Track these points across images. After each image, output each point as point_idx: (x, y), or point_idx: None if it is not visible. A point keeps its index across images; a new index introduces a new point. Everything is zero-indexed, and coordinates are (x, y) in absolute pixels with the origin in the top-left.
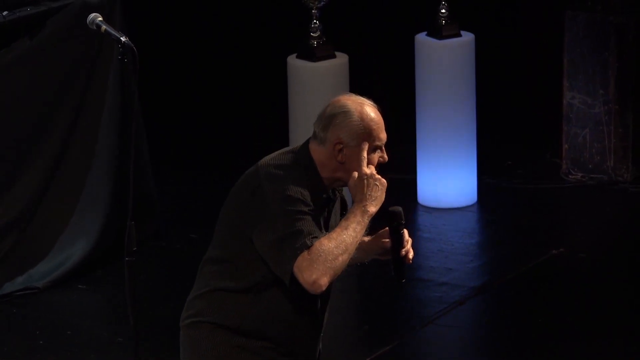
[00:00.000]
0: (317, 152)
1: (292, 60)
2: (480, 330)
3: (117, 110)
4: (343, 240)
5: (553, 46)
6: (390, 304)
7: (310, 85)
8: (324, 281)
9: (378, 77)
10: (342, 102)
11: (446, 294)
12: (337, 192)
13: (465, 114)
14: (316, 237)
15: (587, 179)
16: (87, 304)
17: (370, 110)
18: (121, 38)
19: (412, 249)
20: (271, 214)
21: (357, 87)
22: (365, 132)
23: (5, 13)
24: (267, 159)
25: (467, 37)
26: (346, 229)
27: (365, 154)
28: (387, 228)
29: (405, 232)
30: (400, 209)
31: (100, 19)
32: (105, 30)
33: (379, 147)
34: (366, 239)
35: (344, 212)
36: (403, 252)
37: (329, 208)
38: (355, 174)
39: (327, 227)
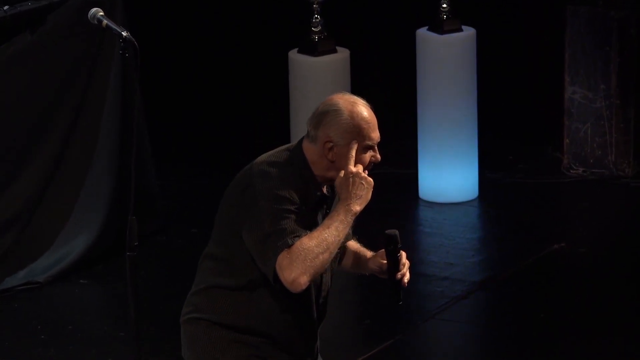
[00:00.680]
0: (310, 150)
1: (294, 55)
2: (481, 325)
3: (118, 106)
4: (324, 239)
5: (554, 41)
6: (391, 298)
7: (312, 80)
8: (304, 280)
9: (379, 72)
10: (333, 101)
11: (447, 289)
12: (335, 189)
13: (467, 109)
14: (298, 236)
15: (589, 173)
16: (89, 299)
17: (361, 109)
18: (122, 33)
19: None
20: (259, 211)
21: (359, 82)
22: (355, 131)
23: (6, 7)
24: (263, 156)
25: (469, 32)
26: (328, 227)
27: (353, 153)
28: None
29: (403, 254)
30: (396, 232)
31: (102, 13)
32: (107, 25)
33: (371, 147)
34: (368, 254)
35: None
36: (399, 276)
37: (327, 205)
38: (342, 172)
39: None
